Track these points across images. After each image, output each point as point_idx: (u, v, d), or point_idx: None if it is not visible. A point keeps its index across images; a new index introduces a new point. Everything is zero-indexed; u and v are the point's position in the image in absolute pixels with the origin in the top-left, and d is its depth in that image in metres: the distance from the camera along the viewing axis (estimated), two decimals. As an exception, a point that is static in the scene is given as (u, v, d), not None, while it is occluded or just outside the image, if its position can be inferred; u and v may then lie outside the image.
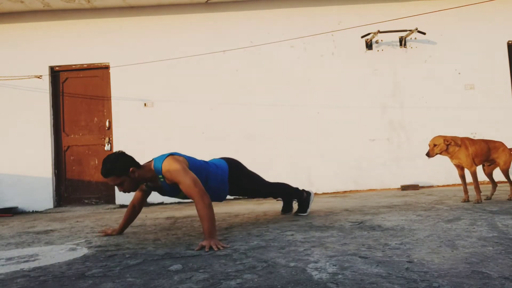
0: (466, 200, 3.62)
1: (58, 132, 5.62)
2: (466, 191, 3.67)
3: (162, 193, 2.72)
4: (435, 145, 3.54)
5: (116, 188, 5.36)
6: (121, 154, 2.52)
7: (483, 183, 3.78)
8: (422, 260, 1.73)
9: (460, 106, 5.55)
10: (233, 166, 2.94)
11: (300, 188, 3.65)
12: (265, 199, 5.13)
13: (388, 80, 5.58)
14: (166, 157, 2.52)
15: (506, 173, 3.59)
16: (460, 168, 3.64)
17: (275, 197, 3.35)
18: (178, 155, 2.63)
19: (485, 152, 3.56)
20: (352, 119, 5.54)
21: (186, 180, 2.39)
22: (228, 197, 5.20)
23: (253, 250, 2.11)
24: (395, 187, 5.45)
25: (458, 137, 3.59)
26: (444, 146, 3.51)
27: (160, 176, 2.51)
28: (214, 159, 3.02)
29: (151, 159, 2.65)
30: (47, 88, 5.57)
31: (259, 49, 5.52)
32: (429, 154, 3.55)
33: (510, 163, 3.59)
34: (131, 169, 2.47)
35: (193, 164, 2.64)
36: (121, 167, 2.44)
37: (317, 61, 5.60)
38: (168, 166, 2.46)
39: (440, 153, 3.57)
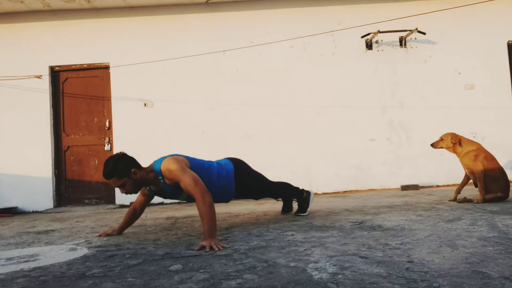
0: (454, 199, 3.68)
1: (58, 132, 5.62)
2: (458, 191, 3.73)
3: (165, 196, 2.71)
4: (442, 140, 3.67)
5: (116, 189, 5.39)
6: (123, 155, 2.52)
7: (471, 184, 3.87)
8: (422, 260, 1.73)
9: (460, 106, 5.55)
10: (239, 165, 2.93)
11: (300, 187, 3.65)
12: (265, 199, 5.12)
13: (388, 80, 5.58)
14: (165, 158, 2.53)
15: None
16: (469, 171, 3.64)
17: (277, 197, 3.34)
18: (178, 155, 2.63)
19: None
20: (352, 119, 5.54)
21: (186, 178, 2.39)
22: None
23: (254, 250, 2.11)
24: (395, 187, 5.45)
25: (474, 142, 3.62)
26: (450, 143, 3.61)
27: (160, 177, 2.50)
28: (219, 159, 2.99)
29: (152, 162, 2.65)
30: (47, 88, 5.57)
31: (259, 49, 5.52)
32: (433, 145, 3.71)
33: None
34: (132, 170, 2.46)
35: (193, 164, 2.64)
36: (123, 169, 2.44)
37: (317, 61, 5.60)
38: (167, 165, 2.46)
39: (447, 149, 3.67)
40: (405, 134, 5.54)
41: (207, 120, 5.53)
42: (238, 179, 2.86)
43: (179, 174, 2.41)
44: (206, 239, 2.25)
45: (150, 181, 2.57)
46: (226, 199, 2.90)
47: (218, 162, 2.89)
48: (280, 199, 3.49)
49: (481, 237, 2.12)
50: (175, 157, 2.56)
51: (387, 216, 3.01)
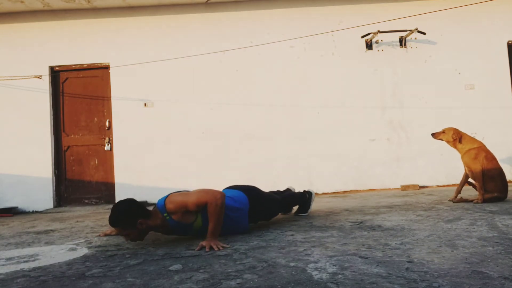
0: (453, 199, 3.69)
1: (58, 132, 5.61)
2: (458, 191, 3.73)
3: (173, 233, 2.53)
4: (443, 132, 3.69)
5: (116, 188, 5.39)
6: (131, 205, 2.35)
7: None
8: (422, 260, 1.73)
9: (460, 106, 5.55)
10: (252, 196, 2.70)
11: (302, 190, 3.65)
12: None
13: (388, 80, 5.58)
14: (168, 195, 2.43)
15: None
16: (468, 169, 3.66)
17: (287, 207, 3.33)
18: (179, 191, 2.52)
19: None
20: (352, 119, 5.53)
21: (192, 196, 2.31)
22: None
23: (253, 250, 2.11)
24: (395, 187, 5.45)
25: (476, 141, 3.64)
26: (450, 138, 3.63)
27: (165, 214, 2.37)
28: (228, 190, 2.75)
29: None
30: (47, 88, 5.56)
31: (259, 49, 5.51)
32: (433, 135, 3.76)
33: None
34: (139, 221, 2.31)
35: None
36: (129, 220, 2.30)
37: (317, 61, 5.60)
38: (169, 199, 2.37)
39: (448, 143, 3.70)
40: (405, 134, 5.54)
41: (207, 120, 5.53)
42: (252, 210, 2.67)
43: (183, 199, 2.33)
44: (207, 239, 2.25)
45: (157, 227, 2.42)
46: (240, 231, 2.68)
47: (227, 195, 2.60)
48: None
49: (481, 237, 2.12)
50: (176, 192, 2.46)
51: (387, 216, 3.01)
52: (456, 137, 3.61)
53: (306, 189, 3.49)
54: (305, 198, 3.35)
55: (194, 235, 2.53)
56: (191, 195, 2.36)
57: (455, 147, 3.67)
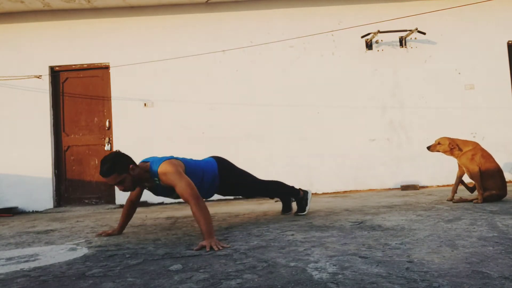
0: (451, 199, 3.71)
1: (58, 132, 5.62)
2: (455, 191, 3.75)
3: (156, 193, 2.77)
4: (439, 144, 3.67)
5: (116, 188, 5.38)
6: (119, 153, 2.57)
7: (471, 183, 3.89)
8: (422, 260, 1.73)
9: (460, 106, 5.55)
10: (222, 163, 3.01)
11: (297, 187, 3.65)
12: (265, 200, 5.13)
13: (388, 80, 5.58)
14: (163, 161, 2.56)
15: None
16: (463, 170, 3.67)
17: (270, 195, 3.35)
18: (175, 159, 2.66)
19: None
20: (352, 119, 5.53)
21: (182, 184, 2.43)
22: (228, 197, 5.24)
23: (254, 250, 2.11)
24: (395, 187, 5.45)
25: (469, 142, 3.64)
26: (448, 148, 3.62)
27: (156, 178, 2.56)
28: (205, 158, 3.09)
29: (147, 161, 2.69)
30: (47, 88, 5.57)
31: (259, 49, 5.52)
32: (429, 148, 3.71)
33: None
34: (130, 166, 2.51)
35: (189, 167, 2.70)
36: (122, 165, 2.47)
37: (317, 61, 5.60)
38: (164, 169, 2.50)
39: (444, 153, 3.68)
40: (405, 134, 5.54)
41: (207, 120, 5.53)
42: (221, 176, 2.94)
43: (174, 180, 2.46)
44: (205, 239, 2.25)
45: (145, 180, 2.62)
46: (210, 195, 2.98)
47: (205, 160, 2.99)
48: (278, 199, 3.50)
49: (481, 237, 2.12)
50: (172, 161, 2.59)
51: (387, 216, 3.02)
52: (454, 146, 3.60)
53: (303, 188, 3.49)
54: (298, 194, 3.36)
55: (175, 198, 2.76)
56: (181, 182, 2.44)
57: (452, 155, 3.65)
